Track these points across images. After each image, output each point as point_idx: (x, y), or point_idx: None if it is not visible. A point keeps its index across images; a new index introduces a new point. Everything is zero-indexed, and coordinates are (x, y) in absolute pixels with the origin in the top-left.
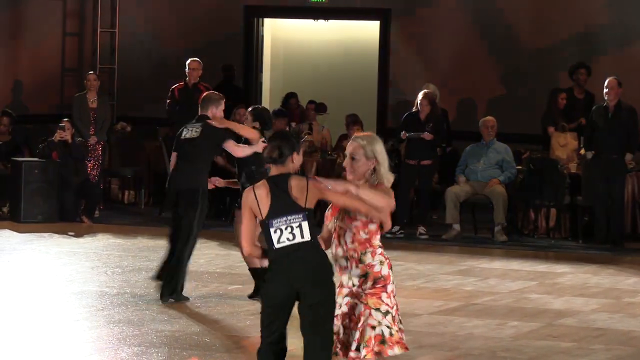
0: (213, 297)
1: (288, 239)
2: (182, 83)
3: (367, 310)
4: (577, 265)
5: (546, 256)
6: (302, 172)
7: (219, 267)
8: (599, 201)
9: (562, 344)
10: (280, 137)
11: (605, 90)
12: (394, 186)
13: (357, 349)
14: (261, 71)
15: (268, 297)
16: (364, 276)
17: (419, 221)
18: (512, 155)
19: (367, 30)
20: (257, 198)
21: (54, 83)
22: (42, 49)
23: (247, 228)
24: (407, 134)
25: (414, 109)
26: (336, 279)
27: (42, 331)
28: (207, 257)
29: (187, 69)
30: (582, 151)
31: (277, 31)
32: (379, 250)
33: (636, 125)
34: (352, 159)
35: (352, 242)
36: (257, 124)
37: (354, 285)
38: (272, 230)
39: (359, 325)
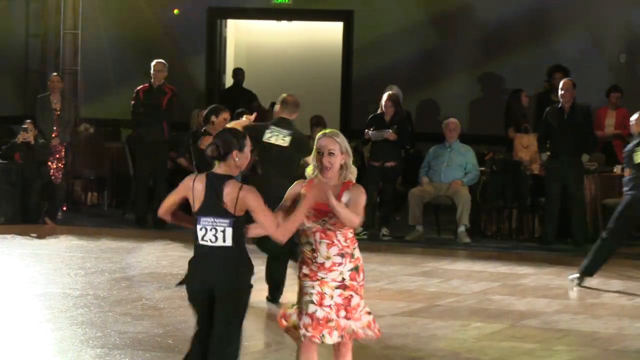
0: (176, 298)
1: (210, 240)
2: (147, 85)
3: (362, 301)
4: (540, 267)
5: (509, 257)
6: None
7: (182, 269)
8: (550, 202)
9: (525, 345)
10: (222, 136)
11: (560, 92)
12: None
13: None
14: (224, 73)
15: (188, 292)
16: (355, 269)
17: (383, 222)
18: (475, 157)
19: (331, 32)
20: (193, 189)
21: (17, 84)
22: (5, 50)
23: (170, 199)
24: (370, 133)
25: (378, 111)
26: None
27: (5, 333)
28: (170, 258)
29: (151, 71)
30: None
31: (240, 32)
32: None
33: (592, 126)
34: (331, 154)
35: (345, 240)
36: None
37: (343, 279)
38: (198, 227)
39: (356, 314)
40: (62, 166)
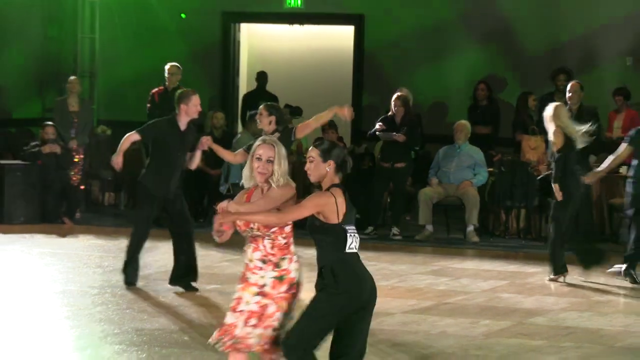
0: (191, 296)
1: (355, 248)
2: (162, 87)
3: (279, 313)
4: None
5: (517, 256)
6: None
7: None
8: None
9: (532, 342)
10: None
11: (568, 94)
12: (368, 187)
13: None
14: (237, 76)
15: (357, 300)
16: (279, 278)
17: (393, 222)
18: (483, 158)
19: (342, 35)
20: (337, 204)
21: (36, 87)
22: (23, 54)
23: (301, 216)
24: (378, 134)
25: (389, 113)
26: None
27: (25, 330)
28: None
29: (166, 74)
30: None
31: (253, 36)
32: (295, 258)
33: (599, 128)
34: (258, 159)
35: (272, 247)
36: (272, 119)
37: (264, 285)
38: (348, 235)
39: (267, 324)
40: (80, 167)
